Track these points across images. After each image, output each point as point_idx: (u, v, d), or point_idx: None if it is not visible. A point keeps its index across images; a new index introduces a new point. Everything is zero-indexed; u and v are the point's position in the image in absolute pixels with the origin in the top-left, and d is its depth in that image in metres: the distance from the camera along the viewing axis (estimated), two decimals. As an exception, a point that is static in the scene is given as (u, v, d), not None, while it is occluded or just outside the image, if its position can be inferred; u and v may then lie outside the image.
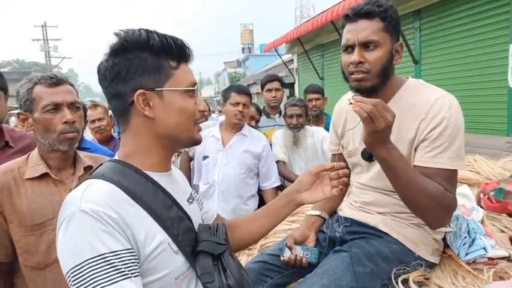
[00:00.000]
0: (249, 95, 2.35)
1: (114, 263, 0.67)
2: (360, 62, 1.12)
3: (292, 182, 2.39)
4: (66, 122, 1.20)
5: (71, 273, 0.66)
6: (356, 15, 1.12)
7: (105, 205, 0.70)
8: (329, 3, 6.06)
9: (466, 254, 1.12)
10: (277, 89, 2.87)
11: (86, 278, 0.65)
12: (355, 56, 1.12)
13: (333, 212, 1.45)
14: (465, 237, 1.15)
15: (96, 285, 0.65)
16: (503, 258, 1.15)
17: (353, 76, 1.14)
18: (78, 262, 0.66)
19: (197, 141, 0.88)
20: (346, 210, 1.37)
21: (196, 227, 0.87)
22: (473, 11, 4.27)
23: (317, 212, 1.42)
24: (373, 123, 0.95)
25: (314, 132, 2.52)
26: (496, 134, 4.08)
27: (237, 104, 2.25)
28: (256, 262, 1.31)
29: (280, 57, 10.24)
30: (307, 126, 2.54)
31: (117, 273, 0.66)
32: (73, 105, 1.24)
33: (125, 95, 0.79)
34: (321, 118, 2.78)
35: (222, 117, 2.85)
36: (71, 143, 1.24)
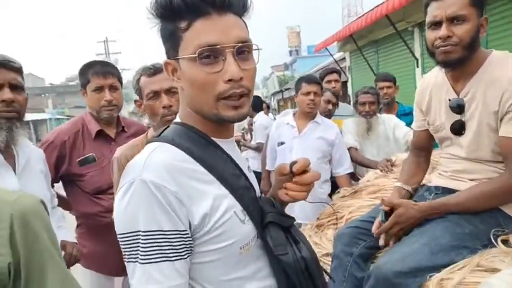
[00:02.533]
0: (319, 83, 2.46)
1: (161, 242, 0.66)
2: (449, 36, 1.19)
3: (365, 166, 2.48)
4: (164, 107, 1.36)
5: (120, 237, 0.70)
6: None
7: (166, 176, 0.68)
8: (379, -1, 5.95)
9: None
10: (336, 80, 3.03)
11: (131, 247, 0.68)
12: (443, 31, 1.19)
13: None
14: None
15: (139, 257, 0.66)
16: None
17: (440, 49, 1.21)
18: (128, 231, 0.68)
19: (223, 119, 0.74)
20: (435, 180, 1.42)
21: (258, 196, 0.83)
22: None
23: (404, 186, 1.44)
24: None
25: (385, 120, 2.57)
26: None
27: (308, 93, 2.37)
28: (350, 227, 1.40)
29: (332, 55, 10.20)
30: (378, 114, 2.59)
31: (159, 252, 0.66)
32: (169, 91, 1.35)
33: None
34: (392, 106, 2.80)
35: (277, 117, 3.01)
36: None
